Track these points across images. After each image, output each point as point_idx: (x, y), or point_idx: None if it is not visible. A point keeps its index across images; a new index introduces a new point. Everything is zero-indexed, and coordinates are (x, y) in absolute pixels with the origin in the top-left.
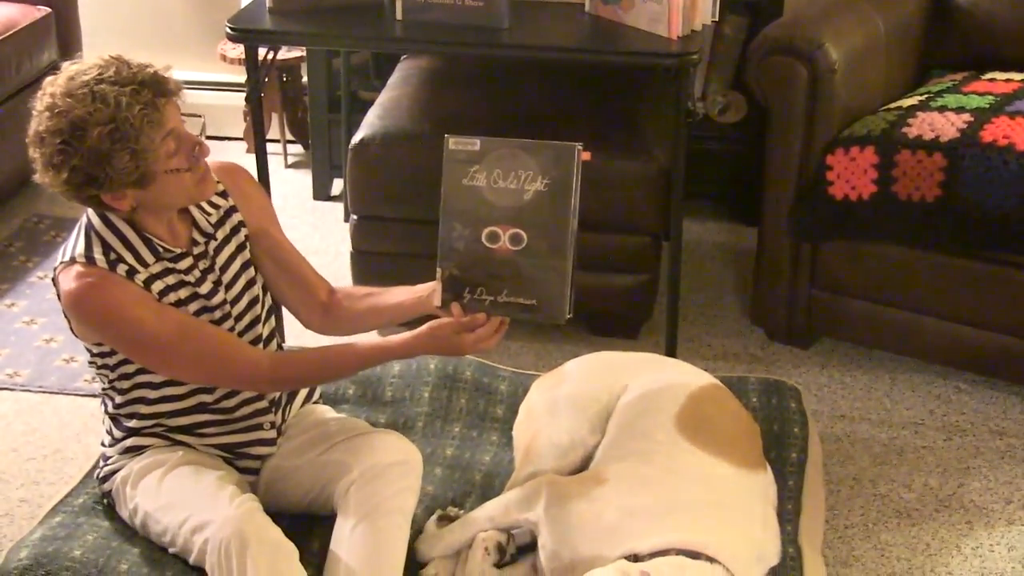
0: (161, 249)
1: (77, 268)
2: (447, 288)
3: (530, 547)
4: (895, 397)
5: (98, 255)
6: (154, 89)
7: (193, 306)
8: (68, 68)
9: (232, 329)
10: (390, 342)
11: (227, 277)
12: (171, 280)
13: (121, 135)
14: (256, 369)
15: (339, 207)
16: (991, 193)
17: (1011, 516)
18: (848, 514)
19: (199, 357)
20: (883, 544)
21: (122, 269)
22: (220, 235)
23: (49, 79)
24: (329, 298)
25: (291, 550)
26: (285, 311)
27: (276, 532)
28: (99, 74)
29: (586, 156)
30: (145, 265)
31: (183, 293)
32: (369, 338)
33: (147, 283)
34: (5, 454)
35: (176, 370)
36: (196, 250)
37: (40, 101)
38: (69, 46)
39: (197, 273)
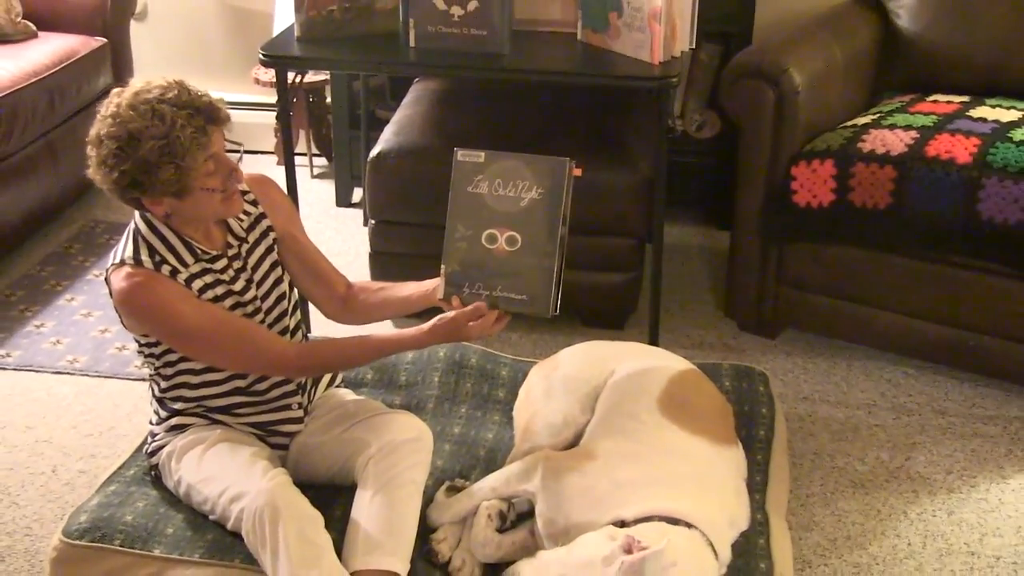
0: (199, 252)
1: (126, 269)
2: (449, 283)
3: (528, 514)
4: (851, 381)
5: (144, 257)
6: (207, 116)
7: (228, 302)
8: (135, 84)
9: (263, 321)
10: (402, 335)
11: (258, 275)
12: (208, 279)
13: (170, 151)
14: (283, 359)
15: (359, 213)
16: (935, 201)
17: (951, 485)
18: (809, 484)
19: (234, 348)
20: (840, 511)
21: (166, 270)
22: (251, 238)
23: (116, 90)
24: (347, 292)
25: (317, 517)
26: (310, 304)
27: (304, 502)
28: (161, 94)
29: (577, 172)
30: (185, 266)
31: (219, 290)
32: (384, 331)
33: (188, 281)
34: (66, 431)
35: (213, 358)
36: (231, 252)
37: (106, 107)
38: (122, 72)
39: (231, 272)
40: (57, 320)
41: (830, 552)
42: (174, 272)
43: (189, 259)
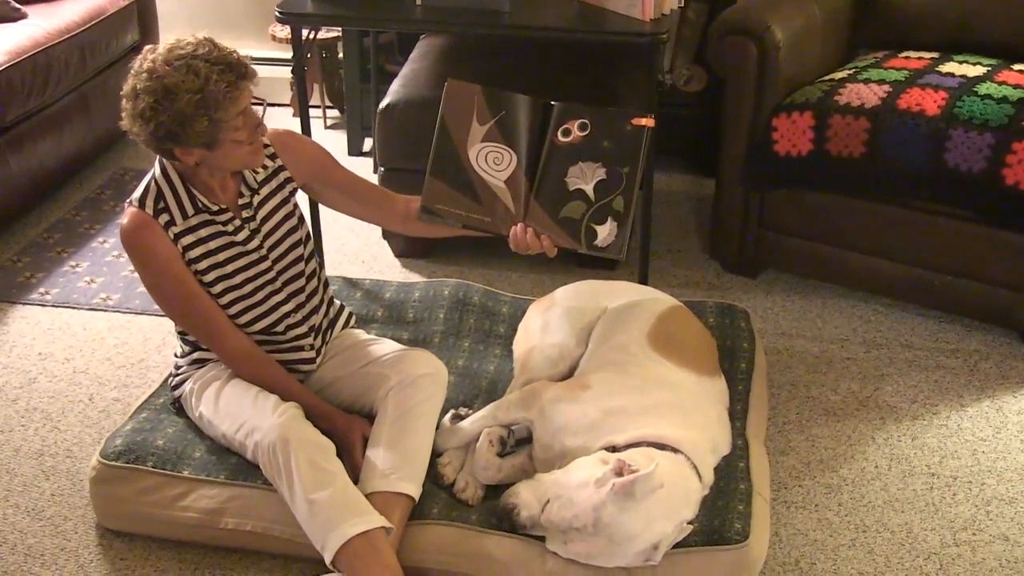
0: (201, 204)
1: (132, 209)
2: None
3: (527, 440)
4: (825, 318)
5: (149, 202)
6: (237, 72)
7: (229, 252)
8: (168, 41)
9: (271, 269)
10: (311, 398)
11: (268, 226)
12: (205, 232)
13: (204, 104)
14: (228, 351)
15: (369, 161)
16: (906, 151)
17: (915, 413)
18: (786, 413)
19: (194, 324)
20: (813, 437)
21: (163, 219)
22: (264, 191)
23: (149, 47)
24: (407, 207)
25: (328, 446)
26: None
27: (314, 432)
28: (194, 51)
29: (648, 123)
30: (185, 217)
31: (217, 242)
32: (304, 388)
33: (178, 236)
34: (101, 363)
35: (175, 320)
36: (241, 201)
37: (140, 64)
38: (148, 29)
39: (237, 222)
40: (91, 261)
41: (804, 474)
42: (169, 224)
43: (190, 210)
